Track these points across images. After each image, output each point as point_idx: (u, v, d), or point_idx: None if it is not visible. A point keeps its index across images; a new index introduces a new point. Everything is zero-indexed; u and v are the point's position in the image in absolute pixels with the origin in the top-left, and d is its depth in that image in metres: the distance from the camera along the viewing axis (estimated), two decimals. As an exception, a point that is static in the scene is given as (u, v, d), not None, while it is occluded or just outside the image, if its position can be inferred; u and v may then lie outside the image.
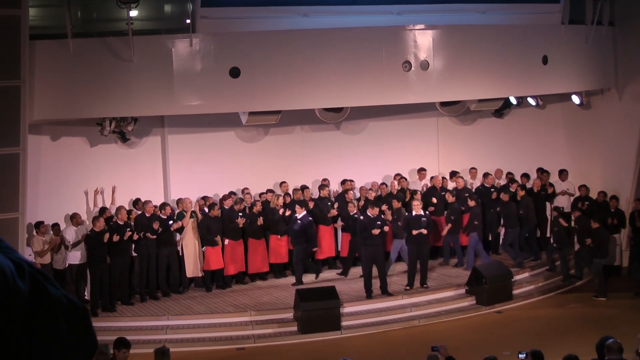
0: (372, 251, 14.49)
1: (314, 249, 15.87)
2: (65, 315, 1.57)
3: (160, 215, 14.90)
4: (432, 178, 17.19)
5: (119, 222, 14.30)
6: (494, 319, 14.35)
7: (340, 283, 15.11)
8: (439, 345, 8.17)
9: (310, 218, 15.45)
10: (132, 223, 14.64)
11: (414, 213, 14.85)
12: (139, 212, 14.97)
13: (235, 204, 15.44)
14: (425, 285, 14.92)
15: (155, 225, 14.51)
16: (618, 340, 7.49)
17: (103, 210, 14.83)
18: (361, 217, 14.78)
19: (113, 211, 14.76)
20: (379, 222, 14.49)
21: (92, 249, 14.03)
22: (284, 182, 16.50)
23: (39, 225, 14.16)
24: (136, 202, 15.35)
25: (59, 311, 1.56)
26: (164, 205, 15.09)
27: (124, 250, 14.26)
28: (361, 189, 16.73)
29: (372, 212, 14.55)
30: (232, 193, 15.97)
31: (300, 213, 15.33)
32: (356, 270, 16.05)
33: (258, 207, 15.53)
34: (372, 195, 16.19)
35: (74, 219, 14.60)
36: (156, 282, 14.89)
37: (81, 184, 15.28)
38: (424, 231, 14.74)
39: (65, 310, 1.57)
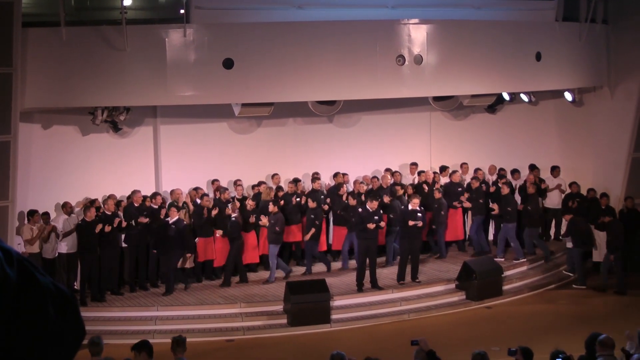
0: (367, 244, 14.52)
1: (188, 255, 14.71)
2: (53, 302, 1.56)
3: (152, 205, 14.85)
4: (420, 173, 17.17)
5: (106, 212, 14.25)
6: (484, 314, 14.39)
7: (331, 276, 15.12)
8: (419, 339, 8.01)
9: (185, 222, 14.37)
10: (121, 213, 14.59)
11: (410, 207, 14.86)
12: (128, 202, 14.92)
13: (221, 194, 15.37)
14: (417, 280, 14.95)
15: (143, 220, 14.44)
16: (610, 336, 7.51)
17: (93, 200, 14.77)
18: (360, 210, 14.77)
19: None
20: (377, 217, 14.49)
21: (83, 239, 13.99)
22: (276, 174, 16.47)
23: (32, 213, 14.08)
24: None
25: (47, 298, 1.55)
26: (154, 195, 15.03)
27: (113, 241, 14.22)
28: (354, 182, 16.72)
29: (370, 205, 14.56)
30: (215, 181, 15.96)
31: (173, 217, 14.24)
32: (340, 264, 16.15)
33: (250, 202, 15.44)
34: (363, 189, 16.18)
35: (65, 207, 14.53)
36: (146, 272, 14.86)
37: (72, 173, 15.21)
38: (420, 223, 14.73)
39: (53, 298, 1.57)
